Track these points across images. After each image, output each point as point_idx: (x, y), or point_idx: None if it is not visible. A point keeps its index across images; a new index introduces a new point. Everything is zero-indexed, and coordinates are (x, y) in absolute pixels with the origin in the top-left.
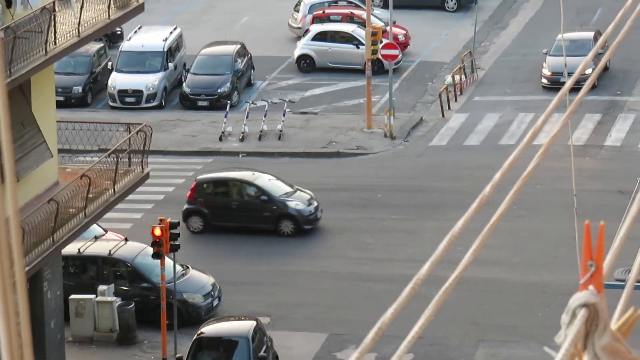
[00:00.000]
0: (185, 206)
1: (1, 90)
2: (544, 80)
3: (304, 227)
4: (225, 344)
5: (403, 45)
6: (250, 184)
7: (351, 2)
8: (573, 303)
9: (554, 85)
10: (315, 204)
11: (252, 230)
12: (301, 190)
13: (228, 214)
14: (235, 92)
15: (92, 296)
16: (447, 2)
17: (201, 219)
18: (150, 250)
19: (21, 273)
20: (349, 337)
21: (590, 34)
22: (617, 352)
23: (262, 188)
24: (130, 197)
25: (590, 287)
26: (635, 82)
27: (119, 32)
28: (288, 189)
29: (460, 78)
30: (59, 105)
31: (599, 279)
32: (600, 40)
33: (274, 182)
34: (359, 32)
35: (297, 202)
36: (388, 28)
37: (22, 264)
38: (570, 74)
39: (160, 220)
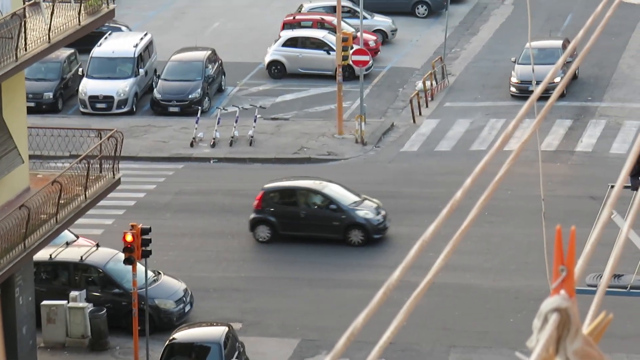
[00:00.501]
0: (253, 215)
1: None
2: (513, 89)
3: (374, 236)
4: (197, 350)
5: (374, 51)
6: (319, 192)
7: (348, 8)
8: (545, 307)
9: (523, 93)
10: (383, 212)
11: (320, 239)
12: (369, 200)
13: (296, 223)
14: (206, 98)
15: (64, 302)
16: (418, 8)
17: (269, 228)
18: (122, 256)
19: None
20: (321, 343)
21: (558, 42)
22: (589, 356)
23: (331, 197)
24: (102, 203)
25: (562, 291)
26: (605, 88)
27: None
28: (356, 198)
29: (431, 84)
30: (30, 111)
31: (571, 284)
32: (569, 48)
33: (342, 191)
34: (330, 38)
35: (366, 211)
36: (358, 34)
37: None
38: (538, 82)
39: (132, 226)
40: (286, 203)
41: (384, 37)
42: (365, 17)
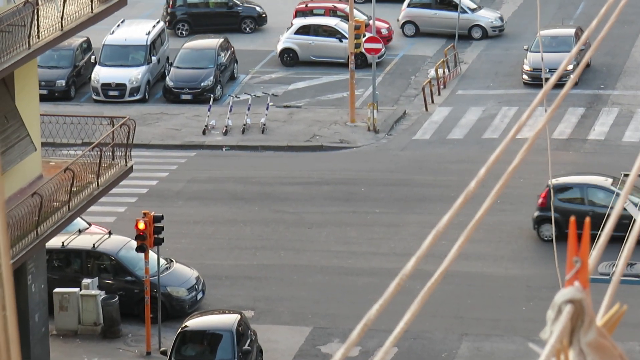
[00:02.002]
0: (537, 213)
1: None
2: (525, 77)
3: None
4: (210, 338)
5: (386, 39)
6: (605, 189)
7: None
8: (559, 299)
9: (535, 81)
10: None
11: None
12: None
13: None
14: (219, 86)
15: (76, 289)
16: None
17: (556, 226)
18: (134, 243)
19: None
20: (333, 331)
21: (571, 31)
22: (602, 347)
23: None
24: (114, 190)
25: (576, 283)
26: (618, 76)
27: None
28: None
29: (444, 72)
30: (42, 98)
31: (585, 275)
32: (583, 36)
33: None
34: (342, 26)
35: None
36: (371, 22)
37: (8, 258)
38: (551, 71)
39: (144, 213)
40: (572, 200)
41: (484, 33)
42: (464, 11)
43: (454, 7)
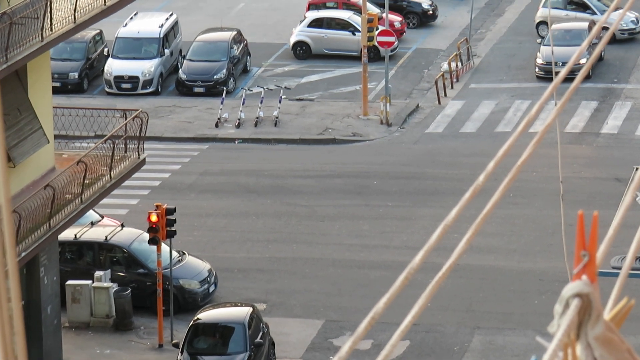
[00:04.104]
0: None
1: None
2: (538, 70)
3: None
4: (222, 330)
5: (399, 32)
6: None
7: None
8: (566, 293)
9: (548, 75)
10: None
11: None
12: None
13: None
14: (231, 79)
15: (89, 282)
16: None
17: None
18: (147, 236)
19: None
20: (345, 324)
21: (584, 24)
22: (610, 342)
23: None
24: (127, 183)
25: (584, 277)
26: (631, 69)
27: None
28: None
29: (457, 65)
30: (55, 91)
31: (592, 269)
32: (595, 29)
33: None
34: (355, 19)
35: None
36: (384, 15)
37: (14, 250)
38: (564, 64)
39: (157, 206)
40: None
41: (614, 39)
42: (594, 12)
43: (586, 8)
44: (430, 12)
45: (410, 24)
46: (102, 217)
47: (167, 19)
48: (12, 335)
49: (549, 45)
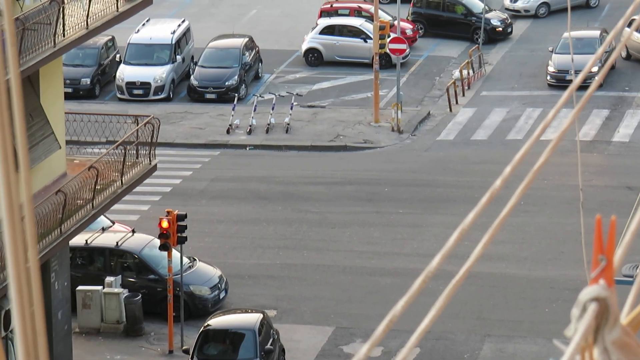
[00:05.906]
0: None
1: (14, 78)
2: (550, 78)
3: None
4: (232, 337)
5: (411, 40)
6: None
7: None
8: (584, 297)
9: (560, 82)
10: None
11: None
12: None
13: None
14: (243, 85)
15: (100, 287)
16: None
17: None
18: (158, 242)
19: (35, 261)
20: (355, 331)
21: (596, 32)
22: (627, 346)
23: None
24: (138, 189)
25: (601, 281)
26: None
27: None
28: None
29: (468, 73)
30: (67, 97)
31: (610, 273)
32: (608, 38)
33: None
34: (367, 26)
35: None
36: (396, 22)
37: (36, 253)
38: (576, 72)
39: (168, 212)
40: None
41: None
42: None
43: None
44: (501, 29)
45: (477, 40)
46: (113, 222)
47: (179, 25)
48: (35, 335)
49: (560, 54)
